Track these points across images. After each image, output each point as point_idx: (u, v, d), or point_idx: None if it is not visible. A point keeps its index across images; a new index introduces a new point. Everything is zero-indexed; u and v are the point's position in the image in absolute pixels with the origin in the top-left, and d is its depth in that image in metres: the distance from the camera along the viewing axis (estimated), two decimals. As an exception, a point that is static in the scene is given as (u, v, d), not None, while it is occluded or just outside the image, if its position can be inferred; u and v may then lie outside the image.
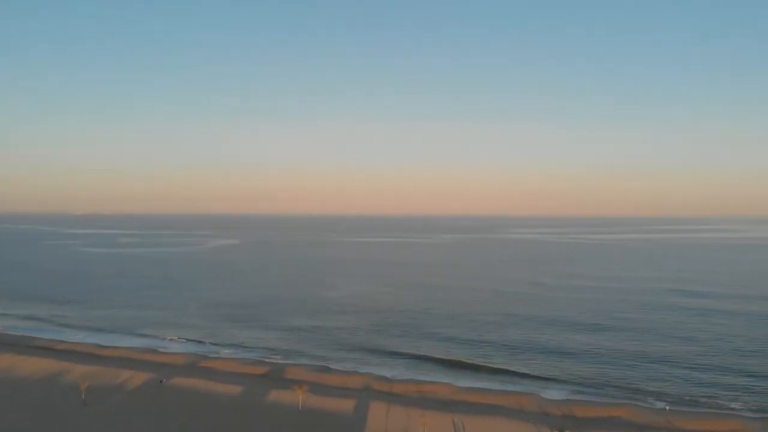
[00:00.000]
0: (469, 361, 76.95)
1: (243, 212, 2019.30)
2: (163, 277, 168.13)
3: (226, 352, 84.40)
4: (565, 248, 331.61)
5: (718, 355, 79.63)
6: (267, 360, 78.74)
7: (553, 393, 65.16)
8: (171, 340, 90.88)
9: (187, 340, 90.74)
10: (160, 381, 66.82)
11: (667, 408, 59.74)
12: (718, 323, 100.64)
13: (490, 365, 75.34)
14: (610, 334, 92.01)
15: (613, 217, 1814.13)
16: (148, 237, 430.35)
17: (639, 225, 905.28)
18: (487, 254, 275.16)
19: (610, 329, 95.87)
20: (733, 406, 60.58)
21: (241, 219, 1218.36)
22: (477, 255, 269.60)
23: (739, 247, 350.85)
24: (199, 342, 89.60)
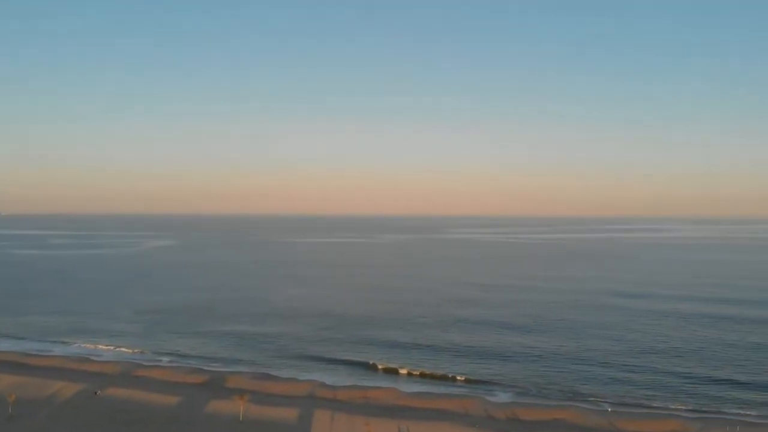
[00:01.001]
0: (414, 365, 76.14)
1: (194, 212, 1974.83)
2: (96, 281, 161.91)
3: (162, 360, 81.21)
4: (508, 248, 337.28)
5: (655, 355, 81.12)
6: (206, 368, 75.88)
7: (497, 396, 65.07)
8: (104, 348, 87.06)
9: (121, 348, 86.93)
10: (95, 392, 63.70)
11: (609, 410, 60.48)
12: (655, 323, 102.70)
13: (434, 369, 74.75)
14: (551, 336, 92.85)
15: (559, 216, 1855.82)
16: (81, 238, 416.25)
17: (583, 225, 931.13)
18: (429, 255, 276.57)
19: (550, 330, 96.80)
20: (672, 407, 61.69)
21: (187, 219, 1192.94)
22: (419, 255, 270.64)
23: (679, 246, 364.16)
24: (134, 350, 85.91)
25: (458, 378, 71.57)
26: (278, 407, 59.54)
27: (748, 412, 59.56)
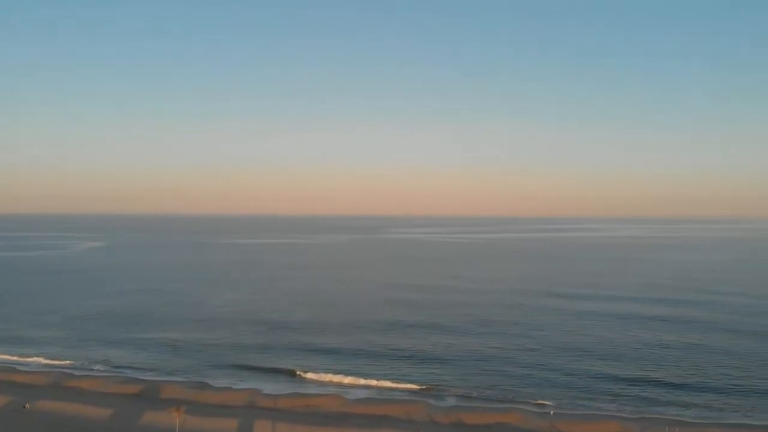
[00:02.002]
0: (356, 371, 74.76)
1: (137, 212, 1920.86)
2: (22, 286, 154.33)
3: (94, 369, 77.48)
4: (449, 248, 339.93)
5: (594, 357, 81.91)
6: (140, 378, 72.59)
7: (441, 401, 64.52)
8: (32, 357, 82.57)
9: (50, 357, 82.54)
10: (23, 405, 60.06)
11: (552, 412, 60.73)
12: (593, 324, 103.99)
13: (377, 375, 73.51)
14: (491, 338, 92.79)
15: (501, 216, 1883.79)
16: (8, 239, 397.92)
17: (526, 224, 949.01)
18: (371, 255, 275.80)
19: (490, 333, 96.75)
20: (613, 408, 62.39)
21: (132, 218, 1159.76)
22: (361, 256, 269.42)
23: (614, 246, 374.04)
24: (64, 359, 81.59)
25: (402, 383, 70.56)
26: (216, 417, 57.40)
27: (686, 413, 60.71)
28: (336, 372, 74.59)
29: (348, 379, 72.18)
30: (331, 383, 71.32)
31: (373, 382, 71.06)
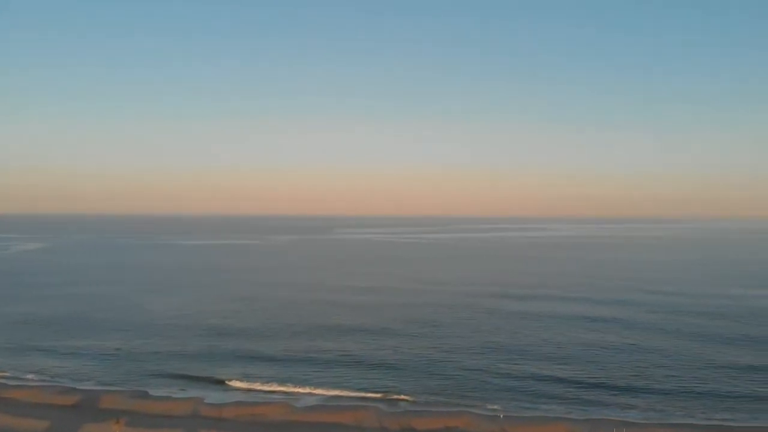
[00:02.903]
0: (304, 379, 73.14)
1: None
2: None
3: (28, 379, 73.57)
4: (397, 248, 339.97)
5: (542, 359, 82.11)
6: (77, 387, 69.12)
7: (390, 406, 63.68)
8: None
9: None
10: (-50, 421, 56.65)
11: (501, 416, 60.58)
12: (536, 326, 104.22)
13: (325, 381, 72.16)
14: (438, 341, 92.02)
15: (454, 216, 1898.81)
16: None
17: (476, 224, 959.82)
18: (320, 256, 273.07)
19: (437, 336, 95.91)
20: (560, 410, 62.66)
21: (79, 218, 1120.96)
22: (310, 257, 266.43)
23: (555, 245, 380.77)
24: (-4, 369, 77.68)
25: (350, 390, 69.27)
26: (158, 428, 55.11)
27: (632, 414, 61.41)
28: (282, 380, 72.58)
29: (295, 387, 70.18)
30: (277, 391, 69.23)
31: (321, 390, 69.28)
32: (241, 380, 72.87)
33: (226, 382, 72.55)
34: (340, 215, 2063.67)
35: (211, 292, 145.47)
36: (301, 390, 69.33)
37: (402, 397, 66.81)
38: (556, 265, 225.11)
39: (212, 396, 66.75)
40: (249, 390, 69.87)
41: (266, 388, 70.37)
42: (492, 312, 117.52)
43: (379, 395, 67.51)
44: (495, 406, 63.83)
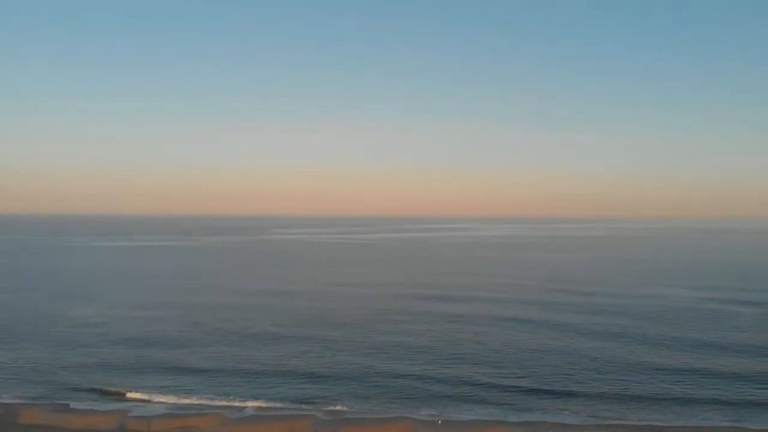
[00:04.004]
0: (234, 389, 70.68)
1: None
2: None
3: (-64, 394, 68.53)
4: (327, 249, 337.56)
5: (475, 363, 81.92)
6: (-7, 402, 64.92)
7: (326, 415, 62.08)
8: None
9: None
10: None
11: (439, 421, 60.07)
12: (470, 329, 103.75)
13: (257, 391, 69.97)
14: (371, 347, 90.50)
15: (387, 216, 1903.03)
16: None
17: (408, 224, 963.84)
18: (251, 259, 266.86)
19: (369, 342, 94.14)
20: (498, 414, 62.64)
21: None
22: (241, 260, 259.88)
23: (486, 245, 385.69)
24: None
25: (283, 399, 67.33)
26: (81, 445, 52.08)
27: (567, 416, 62.05)
28: (211, 391, 69.80)
29: (225, 399, 67.49)
30: (207, 403, 66.28)
31: (253, 401, 66.67)
32: (168, 392, 69.53)
33: (153, 394, 69.02)
34: (281, 215, 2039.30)
35: (132, 299, 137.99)
36: (232, 402, 66.45)
37: (337, 406, 65.11)
38: (485, 266, 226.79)
39: (138, 409, 63.58)
40: (177, 402, 66.71)
41: (195, 400, 67.30)
42: (420, 315, 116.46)
43: (313, 404, 65.83)
44: (432, 411, 63.42)
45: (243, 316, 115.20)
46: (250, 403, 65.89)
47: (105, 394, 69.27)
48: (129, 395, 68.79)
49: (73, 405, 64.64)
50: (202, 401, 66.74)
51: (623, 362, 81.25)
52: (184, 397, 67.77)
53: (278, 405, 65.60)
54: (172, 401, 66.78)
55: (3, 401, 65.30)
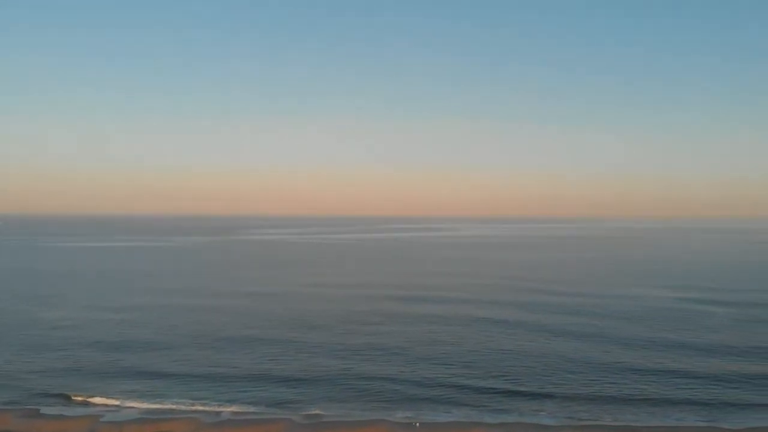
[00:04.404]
0: (207, 393, 69.79)
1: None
2: None
3: None
4: (300, 249, 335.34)
5: (443, 366, 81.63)
6: (-40, 409, 63.23)
7: (304, 419, 61.51)
8: None
9: None
10: None
11: (417, 424, 59.79)
12: (444, 330, 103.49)
13: (230, 396, 69.19)
14: (344, 349, 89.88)
15: (362, 216, 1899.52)
16: None
17: (382, 223, 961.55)
18: (221, 260, 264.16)
19: (343, 344, 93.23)
20: (475, 416, 62.59)
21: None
22: (215, 261, 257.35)
23: (460, 245, 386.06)
24: None
25: (258, 404, 66.54)
26: (51, 452, 50.88)
27: (543, 417, 62.19)
28: (185, 395, 68.77)
29: (199, 403, 66.36)
30: (179, 410, 64.94)
31: (227, 406, 65.74)
32: (140, 397, 68.35)
33: (125, 399, 67.73)
34: (258, 215, 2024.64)
35: (104, 301, 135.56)
36: (206, 407, 65.35)
37: (314, 409, 64.51)
38: (463, 266, 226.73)
39: (110, 414, 62.41)
40: (149, 407, 65.41)
41: (168, 405, 66.09)
42: (396, 316, 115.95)
43: (289, 408, 65.10)
44: (409, 414, 63.15)
45: (217, 319, 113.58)
46: (225, 408, 65.03)
47: (76, 399, 67.89)
48: (100, 400, 67.54)
49: (43, 410, 63.28)
50: (175, 406, 65.68)
51: (598, 363, 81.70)
52: (157, 402, 66.64)
53: (253, 409, 64.89)
54: (144, 406, 65.61)
55: (-29, 408, 63.69)
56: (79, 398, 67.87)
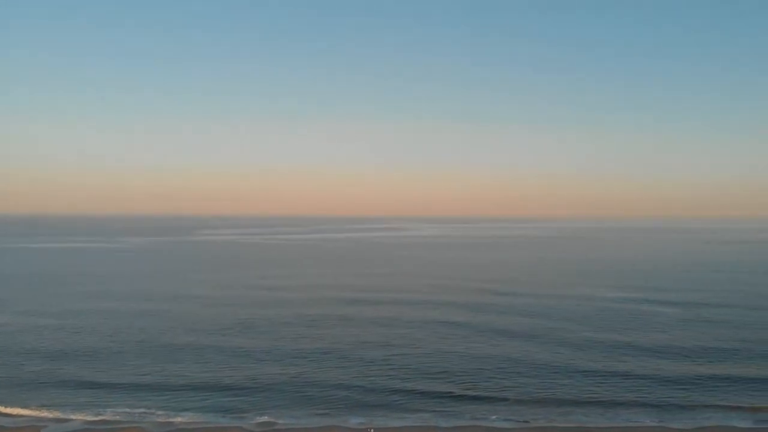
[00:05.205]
0: (160, 401, 68.26)
1: None
2: None
3: None
4: (253, 250, 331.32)
5: (394, 370, 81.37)
6: None
7: (255, 426, 60.63)
8: None
9: None
10: None
11: (371, 430, 59.40)
12: (395, 334, 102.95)
13: (183, 403, 67.86)
14: (295, 355, 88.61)
15: (319, 216, 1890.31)
16: None
17: (346, 224, 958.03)
18: (169, 261, 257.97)
19: (281, 349, 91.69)
20: (429, 418, 62.61)
21: None
22: (158, 262, 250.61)
23: (421, 245, 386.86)
24: None
25: (210, 412, 65.34)
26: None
27: (495, 420, 62.60)
28: (133, 405, 66.83)
29: (148, 413, 64.68)
30: (128, 420, 63.10)
31: (177, 417, 63.98)
32: (85, 408, 66.06)
33: (69, 410, 65.29)
34: (210, 216, 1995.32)
35: (46, 306, 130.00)
36: (154, 417, 63.56)
37: (266, 418, 63.48)
38: (416, 267, 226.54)
39: (54, 425, 60.37)
40: (95, 419, 63.22)
41: (115, 416, 64.02)
42: (349, 320, 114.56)
43: (240, 417, 63.84)
44: (361, 419, 62.65)
45: (164, 325, 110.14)
46: (174, 418, 63.43)
47: (13, 411, 65.26)
48: (40, 413, 64.95)
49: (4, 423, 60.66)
50: (121, 417, 63.68)
51: (548, 365, 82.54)
52: (102, 414, 64.49)
53: (203, 418, 63.35)
54: (90, 418, 63.50)
55: None
56: (17, 411, 65.32)
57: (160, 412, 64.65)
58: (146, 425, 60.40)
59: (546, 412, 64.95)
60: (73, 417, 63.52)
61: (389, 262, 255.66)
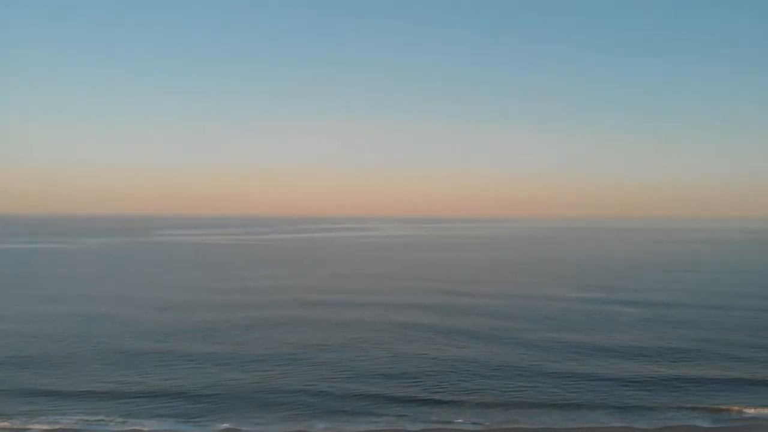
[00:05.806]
0: (119, 409, 66.81)
1: None
2: None
3: None
4: (214, 251, 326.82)
5: (357, 374, 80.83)
6: None
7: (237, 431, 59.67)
8: None
9: None
10: None
11: (336, 436, 58.88)
12: (364, 337, 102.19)
13: (143, 410, 66.37)
14: (257, 361, 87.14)
15: (283, 216, 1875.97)
16: None
17: (302, 224, 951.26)
18: (127, 262, 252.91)
19: (238, 355, 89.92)
20: (394, 421, 62.57)
21: None
22: (115, 264, 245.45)
23: (388, 245, 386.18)
24: None
25: (170, 420, 64.06)
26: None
27: (460, 423, 62.78)
28: (91, 414, 64.71)
29: (107, 421, 62.90)
30: (86, 428, 61.19)
31: (137, 424, 62.41)
32: (40, 416, 63.89)
33: (24, 420, 63.03)
34: (172, 215, 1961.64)
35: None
36: (114, 426, 61.66)
37: (227, 425, 62.06)
38: (383, 267, 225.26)
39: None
40: (52, 428, 60.96)
41: (74, 425, 61.83)
42: (312, 323, 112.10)
43: (201, 425, 62.45)
44: (327, 425, 62.06)
45: (122, 330, 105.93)
46: (135, 426, 61.75)
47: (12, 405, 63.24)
48: (15, 422, 62.38)
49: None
50: (80, 425, 61.82)
51: (513, 367, 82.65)
52: (60, 422, 62.44)
53: (164, 426, 61.86)
54: (46, 427, 61.37)
55: None
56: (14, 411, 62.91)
57: (119, 420, 62.96)
58: (104, 434, 58.69)
59: (511, 414, 65.25)
60: (28, 426, 61.45)
61: (355, 262, 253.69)
